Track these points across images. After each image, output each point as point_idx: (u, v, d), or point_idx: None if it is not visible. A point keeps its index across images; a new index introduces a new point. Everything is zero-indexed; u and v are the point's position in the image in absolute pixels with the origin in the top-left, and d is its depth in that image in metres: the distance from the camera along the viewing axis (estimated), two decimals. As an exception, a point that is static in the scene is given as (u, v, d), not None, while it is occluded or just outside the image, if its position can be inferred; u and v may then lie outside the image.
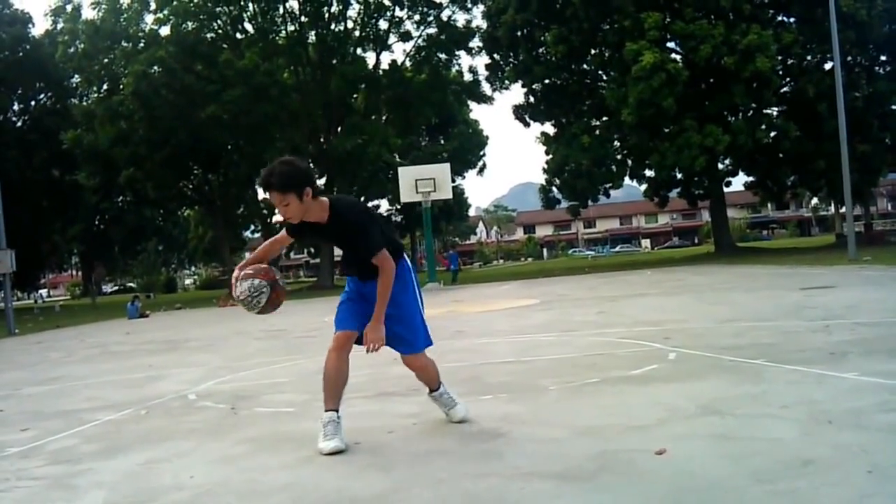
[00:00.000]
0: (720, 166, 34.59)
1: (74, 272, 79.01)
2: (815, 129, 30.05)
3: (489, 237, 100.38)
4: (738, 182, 38.75)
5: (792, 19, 33.08)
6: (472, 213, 74.21)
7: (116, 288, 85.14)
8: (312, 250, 59.47)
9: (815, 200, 74.63)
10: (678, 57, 31.63)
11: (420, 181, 27.33)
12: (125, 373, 8.34)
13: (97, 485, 3.56)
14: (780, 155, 32.57)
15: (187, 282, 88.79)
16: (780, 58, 30.62)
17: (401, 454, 3.67)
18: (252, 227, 65.02)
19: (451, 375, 5.94)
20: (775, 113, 33.23)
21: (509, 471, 3.23)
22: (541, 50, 35.53)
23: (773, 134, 31.51)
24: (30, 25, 43.83)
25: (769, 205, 64.75)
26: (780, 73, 31.53)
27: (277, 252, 4.43)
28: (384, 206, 52.80)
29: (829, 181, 32.20)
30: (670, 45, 32.39)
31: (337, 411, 3.95)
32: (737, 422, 3.73)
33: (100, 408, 5.89)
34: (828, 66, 31.15)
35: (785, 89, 32.99)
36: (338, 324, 4.04)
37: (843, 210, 32.30)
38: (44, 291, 78.53)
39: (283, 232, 4.15)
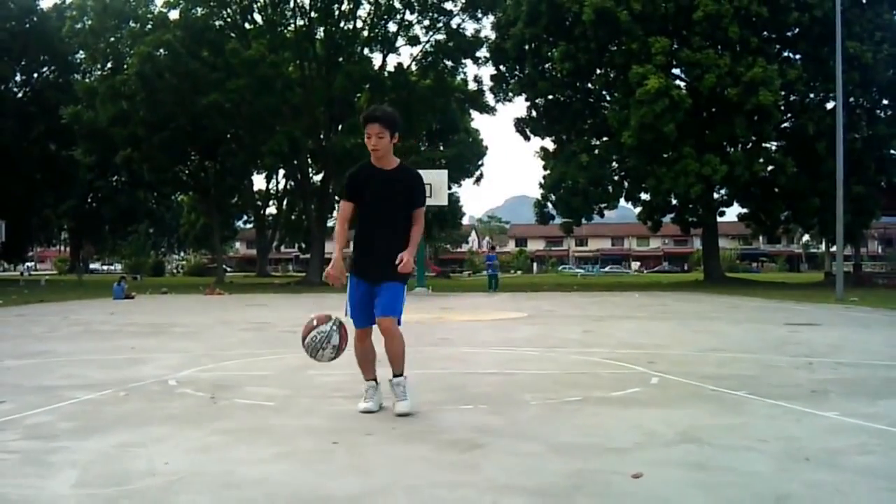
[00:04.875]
0: (715, 195, 34.79)
1: (63, 248, 78.59)
2: (813, 166, 30.26)
3: (481, 247, 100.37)
4: (732, 212, 39.00)
5: (798, 56, 33.35)
6: (465, 221, 73.96)
7: (107, 268, 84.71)
8: (303, 245, 59.26)
9: (806, 237, 75.09)
10: (682, 84, 31.83)
11: (416, 185, 27.29)
12: (107, 353, 8.30)
13: (71, 464, 3.54)
14: (776, 189, 32.77)
15: (174, 266, 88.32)
16: (783, 93, 30.81)
17: (378, 457, 3.67)
18: (244, 218, 65.02)
19: (433, 382, 5.96)
20: (774, 147, 33.43)
21: (484, 483, 3.23)
22: (547, 65, 35.65)
23: (770, 168, 31.74)
24: (39, -3, 43.76)
25: (761, 238, 65.04)
26: (782, 108, 31.75)
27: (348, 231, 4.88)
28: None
29: (822, 219, 32.35)
30: (676, 71, 32.62)
31: (374, 380, 4.79)
32: (714, 451, 3.75)
33: (79, 386, 5.85)
34: (829, 105, 31.43)
35: (785, 125, 33.23)
36: (356, 322, 4.71)
37: (833, 249, 32.42)
38: (30, 264, 77.88)
39: (344, 205, 4.77)
